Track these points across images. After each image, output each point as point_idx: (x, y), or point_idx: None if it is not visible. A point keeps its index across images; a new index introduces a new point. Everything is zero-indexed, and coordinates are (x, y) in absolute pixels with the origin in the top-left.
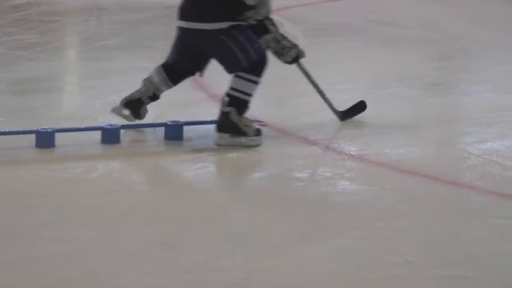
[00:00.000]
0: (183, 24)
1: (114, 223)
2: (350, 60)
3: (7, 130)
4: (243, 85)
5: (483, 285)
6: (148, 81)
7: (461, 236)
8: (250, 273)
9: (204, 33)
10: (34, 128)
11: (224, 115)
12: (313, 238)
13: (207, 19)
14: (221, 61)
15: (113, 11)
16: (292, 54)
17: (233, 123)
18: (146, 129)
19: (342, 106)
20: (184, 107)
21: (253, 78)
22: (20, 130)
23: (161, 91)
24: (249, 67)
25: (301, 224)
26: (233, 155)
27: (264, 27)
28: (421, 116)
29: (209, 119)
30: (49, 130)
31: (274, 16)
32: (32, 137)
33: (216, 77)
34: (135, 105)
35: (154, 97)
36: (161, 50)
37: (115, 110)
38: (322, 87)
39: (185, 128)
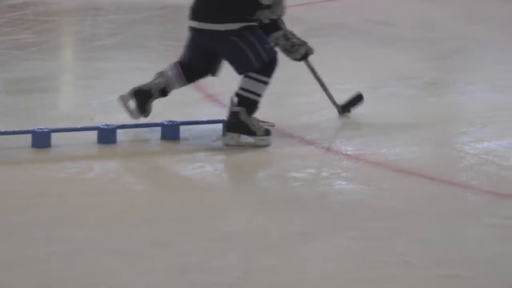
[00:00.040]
0: (195, 24)
1: (110, 223)
2: (348, 59)
3: (3, 130)
4: (253, 85)
5: (479, 285)
6: (161, 74)
7: (457, 235)
8: (247, 273)
9: (215, 33)
10: (30, 128)
11: (233, 115)
12: (310, 238)
13: (219, 19)
14: (232, 62)
15: (110, 11)
16: (301, 52)
17: (243, 122)
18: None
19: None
20: (181, 107)
21: (263, 78)
22: (16, 130)
23: (172, 88)
24: (259, 67)
25: (297, 224)
26: (230, 155)
27: (273, 25)
28: (417, 116)
29: (205, 119)
30: (45, 130)
31: None
32: (28, 137)
33: (213, 77)
34: (143, 97)
35: (164, 92)
36: (157, 50)
37: (123, 99)
38: (319, 86)
39: (182, 128)
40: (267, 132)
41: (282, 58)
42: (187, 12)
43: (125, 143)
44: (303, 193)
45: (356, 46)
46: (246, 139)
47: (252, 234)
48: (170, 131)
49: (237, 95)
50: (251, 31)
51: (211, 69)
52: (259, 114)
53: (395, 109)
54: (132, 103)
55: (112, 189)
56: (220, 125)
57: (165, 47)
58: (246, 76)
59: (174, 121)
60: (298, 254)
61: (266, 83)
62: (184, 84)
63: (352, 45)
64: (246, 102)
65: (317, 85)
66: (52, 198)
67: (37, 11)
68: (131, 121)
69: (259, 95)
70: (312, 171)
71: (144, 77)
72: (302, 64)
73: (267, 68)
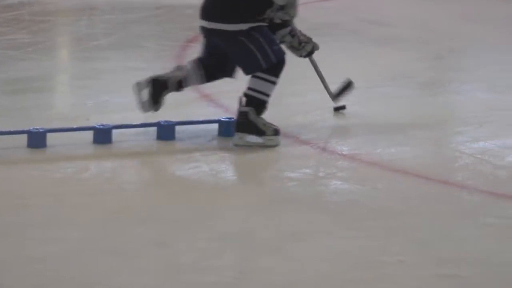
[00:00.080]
0: (205, 24)
1: (106, 223)
2: (343, 59)
3: None
4: (261, 85)
5: (475, 284)
6: (180, 67)
7: (453, 235)
8: (243, 272)
9: (224, 33)
10: (25, 128)
11: (242, 115)
12: (305, 237)
13: (229, 19)
14: (240, 62)
15: (105, 11)
16: (307, 49)
17: (252, 122)
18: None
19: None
20: (177, 107)
21: (272, 78)
22: (11, 130)
23: (188, 83)
24: (267, 67)
25: (293, 224)
26: (225, 155)
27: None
28: (413, 116)
29: (201, 119)
30: (41, 130)
31: None
32: (24, 137)
33: None
34: (158, 87)
35: (180, 86)
36: (153, 50)
37: (138, 86)
38: (316, 87)
39: (177, 128)
40: (276, 132)
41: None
42: (182, 12)
43: (121, 143)
44: (299, 193)
45: (351, 46)
46: (255, 139)
47: (248, 234)
48: (166, 131)
49: (246, 95)
50: (259, 31)
51: (225, 69)
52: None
53: (390, 109)
54: (145, 95)
55: (107, 189)
56: (215, 125)
57: (161, 47)
58: (254, 76)
59: (170, 121)
60: (294, 254)
61: (274, 83)
62: (202, 82)
63: (346, 45)
64: (255, 102)
65: (313, 85)
66: (47, 198)
67: (32, 11)
68: (126, 121)
69: (267, 95)
70: (308, 171)
71: (139, 77)
72: (297, 64)
73: (275, 68)
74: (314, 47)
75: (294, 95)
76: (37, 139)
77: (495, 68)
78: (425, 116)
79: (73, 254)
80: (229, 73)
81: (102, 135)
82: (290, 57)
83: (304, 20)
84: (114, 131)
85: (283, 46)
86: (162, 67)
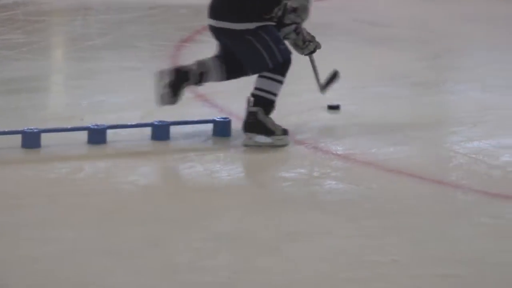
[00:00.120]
0: (213, 22)
1: (101, 223)
2: (337, 59)
3: None
4: (268, 85)
5: (470, 284)
6: (201, 61)
7: (448, 235)
8: (238, 272)
9: (231, 32)
10: (20, 129)
11: (251, 115)
12: (300, 237)
13: (235, 18)
14: (246, 61)
15: (100, 11)
16: (310, 48)
17: (261, 122)
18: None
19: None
20: (171, 107)
21: (278, 77)
22: (6, 130)
23: (209, 77)
24: (273, 67)
25: (288, 224)
26: (220, 155)
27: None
28: (407, 116)
29: (196, 119)
30: (35, 130)
31: None
32: (18, 137)
33: None
34: (179, 78)
35: (200, 79)
36: (147, 50)
37: (161, 74)
38: (310, 86)
39: (172, 128)
40: (285, 132)
41: None
42: (177, 12)
43: (115, 143)
44: (294, 193)
45: (346, 46)
46: (264, 139)
47: (243, 234)
48: (160, 131)
49: (253, 95)
50: (266, 31)
51: (243, 68)
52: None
53: (385, 109)
54: (165, 86)
55: (102, 189)
56: (210, 125)
57: (156, 47)
58: (261, 76)
59: (164, 121)
60: (289, 254)
61: (281, 82)
62: (222, 78)
63: (341, 45)
64: (263, 102)
65: (307, 85)
66: (42, 198)
67: (27, 11)
68: (121, 121)
69: (275, 94)
70: (302, 171)
71: (134, 77)
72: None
73: (281, 67)
74: (317, 46)
75: (289, 95)
76: (31, 139)
77: (490, 68)
78: (420, 116)
79: (67, 254)
80: (247, 72)
81: (97, 135)
82: None
83: None
84: (109, 131)
85: (287, 43)
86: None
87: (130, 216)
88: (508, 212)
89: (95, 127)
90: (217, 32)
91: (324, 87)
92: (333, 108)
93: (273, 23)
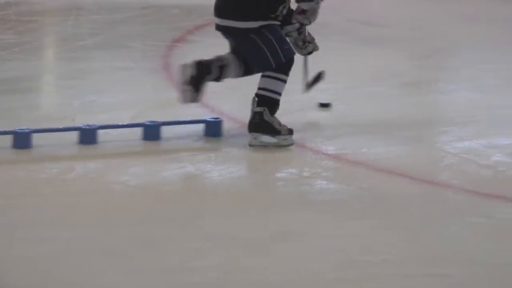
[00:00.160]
0: (218, 21)
1: (92, 224)
2: (330, 59)
3: None
4: (272, 84)
5: (461, 283)
6: (220, 56)
7: (438, 234)
8: (229, 273)
9: (236, 31)
10: (11, 129)
11: (257, 115)
12: (290, 237)
13: (240, 17)
14: (250, 60)
15: (91, 11)
16: (309, 49)
17: (267, 122)
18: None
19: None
20: (162, 107)
21: (282, 76)
22: None
23: (228, 72)
24: (276, 66)
25: (278, 224)
26: (211, 155)
27: (290, 19)
28: (398, 115)
29: (187, 119)
30: (26, 130)
31: None
32: (10, 137)
33: None
34: (202, 70)
35: (221, 72)
36: (139, 50)
37: (185, 66)
38: (301, 86)
39: (163, 128)
40: (290, 132)
41: None
42: (169, 12)
43: (106, 143)
44: (284, 193)
45: (338, 46)
46: (269, 139)
47: (234, 234)
48: (152, 131)
49: (257, 95)
50: (271, 30)
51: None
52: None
53: (376, 108)
54: (185, 85)
55: (93, 190)
56: (201, 125)
57: (148, 47)
58: (264, 76)
59: (156, 121)
60: (279, 254)
61: (285, 81)
62: (240, 74)
63: (333, 44)
64: (269, 102)
65: (298, 85)
66: (33, 199)
67: (19, 11)
68: (113, 121)
69: (279, 94)
70: (293, 171)
71: (126, 77)
72: None
73: (284, 66)
74: (314, 48)
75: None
76: (22, 140)
77: (481, 67)
78: (411, 116)
79: (59, 255)
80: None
81: (88, 136)
82: None
83: None
84: (100, 132)
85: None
86: (149, 67)
87: (121, 216)
88: (499, 212)
89: (86, 127)
90: (222, 30)
91: (308, 86)
92: (324, 106)
93: (278, 22)
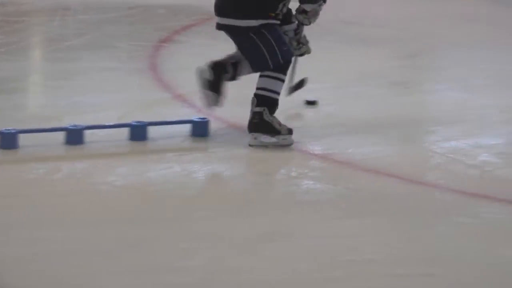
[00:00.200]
0: (218, 20)
1: (78, 224)
2: (316, 59)
3: None
4: (271, 84)
5: (447, 283)
6: (231, 54)
7: (425, 234)
8: (214, 273)
9: (235, 29)
10: None
11: (256, 115)
12: (277, 237)
13: (239, 15)
14: (248, 59)
15: (78, 11)
16: (302, 51)
17: (267, 122)
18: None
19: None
20: (149, 107)
21: (280, 76)
22: None
23: (242, 69)
24: (274, 67)
25: (265, 224)
26: (198, 155)
27: (288, 18)
28: (385, 115)
29: (174, 119)
30: (13, 131)
31: None
32: None
33: (181, 77)
34: (219, 70)
35: (236, 70)
36: (126, 50)
37: (201, 71)
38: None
39: (150, 128)
40: (290, 131)
41: None
42: (155, 12)
43: (93, 143)
44: (271, 193)
45: (325, 45)
46: (269, 139)
47: (221, 234)
48: (138, 132)
49: (256, 95)
50: (270, 30)
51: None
52: (224, 113)
53: (363, 108)
54: (205, 90)
55: (79, 190)
56: (188, 126)
57: (134, 47)
58: (263, 75)
59: (142, 122)
60: (265, 254)
61: (283, 80)
62: (250, 71)
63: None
64: (268, 102)
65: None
66: (19, 199)
67: (6, 12)
68: (100, 121)
69: (277, 93)
70: (280, 171)
71: (112, 77)
72: None
73: (282, 66)
74: (307, 51)
75: None
76: (9, 140)
77: (468, 67)
78: (398, 116)
79: (44, 256)
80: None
81: (74, 136)
82: None
83: None
84: (86, 132)
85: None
86: (135, 68)
87: (108, 216)
88: (485, 212)
89: (73, 127)
90: (223, 29)
91: (290, 91)
92: (311, 103)
93: (277, 22)
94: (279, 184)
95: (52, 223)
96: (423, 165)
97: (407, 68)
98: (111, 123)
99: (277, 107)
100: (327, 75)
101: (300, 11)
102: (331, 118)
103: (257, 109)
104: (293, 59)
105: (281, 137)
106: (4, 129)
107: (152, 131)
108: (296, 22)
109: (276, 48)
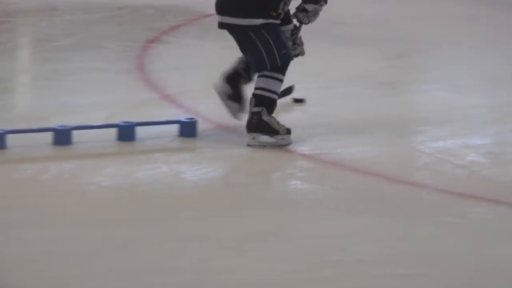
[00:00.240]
0: (219, 19)
1: (65, 225)
2: (303, 59)
3: None
4: (270, 84)
5: (435, 283)
6: (240, 58)
7: (413, 234)
8: (202, 273)
9: (235, 28)
10: None
11: (255, 115)
12: (265, 238)
13: (240, 14)
14: (248, 58)
15: (66, 11)
16: (296, 52)
17: (265, 122)
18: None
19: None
20: (137, 107)
21: (279, 76)
22: None
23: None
24: (272, 69)
25: (252, 224)
26: (186, 155)
27: (287, 18)
28: (373, 115)
29: (162, 119)
30: (1, 131)
31: None
32: None
33: (169, 77)
34: (234, 80)
35: (248, 71)
36: (114, 51)
37: (219, 87)
38: None
39: (138, 128)
40: (288, 131)
41: None
42: (144, 12)
43: (81, 144)
44: (259, 193)
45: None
46: (267, 139)
47: (208, 234)
48: (126, 132)
49: (254, 95)
50: (270, 31)
51: None
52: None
53: (351, 108)
54: (226, 102)
55: (67, 191)
56: (176, 126)
57: (122, 47)
58: (261, 76)
59: (130, 122)
60: (252, 254)
61: (281, 80)
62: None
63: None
64: (267, 102)
65: None
66: (6, 200)
67: None
68: (88, 122)
69: (275, 93)
70: (268, 171)
71: (100, 78)
72: None
73: (280, 66)
74: (301, 53)
75: None
76: None
77: (456, 67)
78: (386, 116)
79: (31, 256)
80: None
81: (62, 136)
82: None
83: None
84: (74, 132)
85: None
86: (123, 68)
87: (95, 217)
88: (473, 212)
89: (61, 128)
90: (224, 28)
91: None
92: (298, 101)
93: (278, 22)
94: (267, 185)
95: (40, 224)
96: (411, 165)
97: (396, 68)
98: (99, 124)
99: (275, 107)
100: (315, 75)
101: (301, 9)
102: (319, 118)
103: (256, 109)
104: None
105: (279, 137)
106: None
107: (140, 131)
108: (293, 23)
109: (274, 49)
